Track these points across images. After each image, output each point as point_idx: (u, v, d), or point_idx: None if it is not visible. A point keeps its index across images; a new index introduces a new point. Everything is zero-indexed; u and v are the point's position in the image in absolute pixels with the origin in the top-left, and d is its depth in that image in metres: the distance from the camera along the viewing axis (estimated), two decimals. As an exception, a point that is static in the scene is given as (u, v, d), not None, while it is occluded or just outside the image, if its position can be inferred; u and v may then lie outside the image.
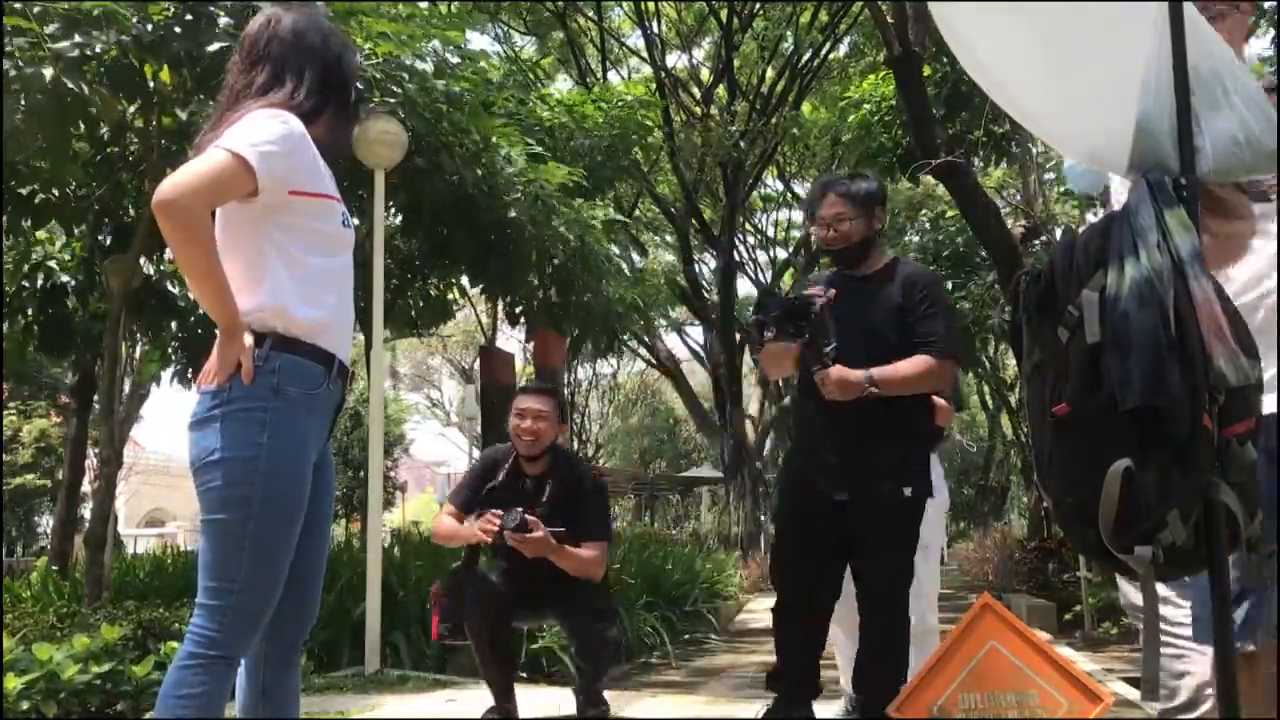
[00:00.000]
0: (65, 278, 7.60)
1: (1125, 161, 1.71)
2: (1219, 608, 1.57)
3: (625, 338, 10.96)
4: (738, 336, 17.33)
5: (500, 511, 3.52)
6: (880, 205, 3.33)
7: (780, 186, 21.67)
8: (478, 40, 16.48)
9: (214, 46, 4.76)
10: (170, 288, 7.66)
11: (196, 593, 2.02)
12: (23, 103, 4.51)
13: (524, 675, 5.41)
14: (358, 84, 2.40)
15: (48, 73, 4.40)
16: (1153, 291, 1.50)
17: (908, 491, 3.11)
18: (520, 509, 3.52)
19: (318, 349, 2.08)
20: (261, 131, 2.00)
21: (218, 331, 2.02)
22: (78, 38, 4.47)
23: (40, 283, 7.55)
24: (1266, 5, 8.14)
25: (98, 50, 4.64)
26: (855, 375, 3.05)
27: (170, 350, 8.05)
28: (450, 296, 9.07)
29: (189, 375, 7.78)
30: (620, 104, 9.71)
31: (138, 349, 8.29)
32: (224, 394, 2.00)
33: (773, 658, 3.34)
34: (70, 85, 4.45)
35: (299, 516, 2.06)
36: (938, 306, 3.16)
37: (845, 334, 3.13)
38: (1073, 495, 1.58)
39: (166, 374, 8.42)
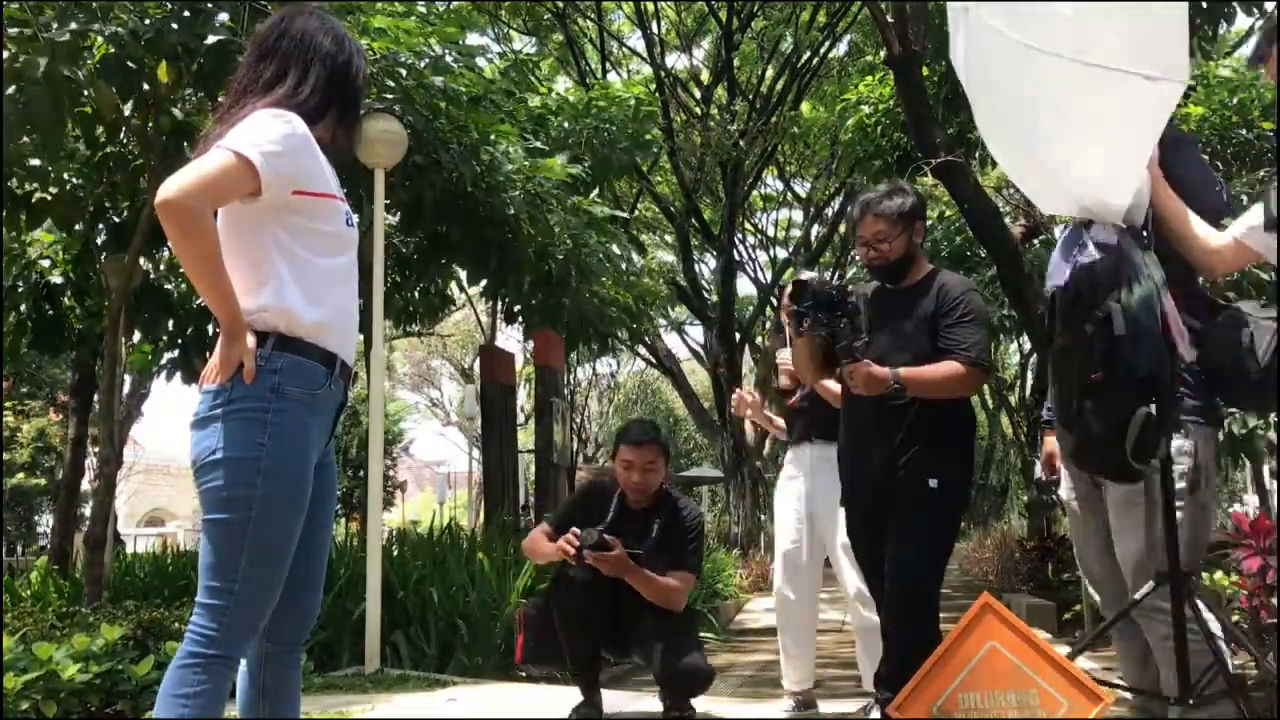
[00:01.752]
0: (58, 278, 7.59)
1: (1119, 214, 2.56)
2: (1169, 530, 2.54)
3: (623, 338, 10.93)
4: (737, 336, 17.33)
5: (579, 530, 3.53)
6: (920, 219, 3.39)
7: (780, 186, 21.68)
8: (476, 41, 16.45)
9: (211, 40, 4.76)
10: (168, 286, 7.66)
11: (197, 592, 2.02)
12: (19, 96, 4.51)
13: (523, 675, 5.41)
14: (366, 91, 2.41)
15: (42, 61, 4.39)
16: (1152, 305, 2.44)
17: (933, 484, 3.16)
18: (599, 528, 3.55)
19: (320, 349, 2.08)
20: (265, 131, 2.01)
21: (220, 330, 2.01)
22: (74, 26, 4.46)
23: (34, 280, 7.55)
24: (1267, 6, 8.15)
25: (94, 42, 4.64)
26: (882, 372, 3.11)
27: (162, 343, 8.03)
28: (449, 292, 9.07)
29: (186, 370, 7.76)
30: (619, 101, 9.70)
31: (135, 338, 8.28)
32: (225, 393, 2.00)
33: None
34: (66, 74, 4.44)
35: (300, 517, 2.06)
36: (970, 314, 3.23)
37: (880, 345, 3.23)
38: (1103, 430, 2.46)
39: (164, 370, 8.39)
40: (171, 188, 1.91)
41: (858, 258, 3.56)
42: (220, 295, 1.98)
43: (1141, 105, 2.42)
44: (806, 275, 3.18)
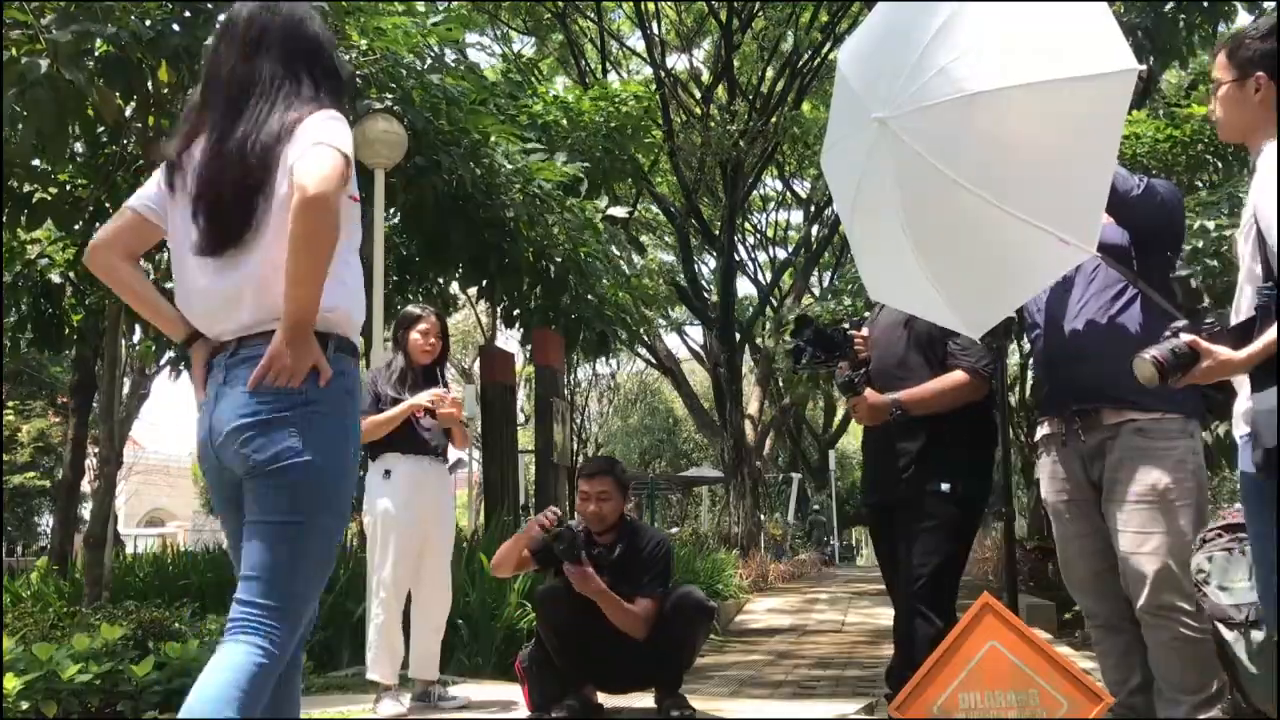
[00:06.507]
0: (57, 278, 7.58)
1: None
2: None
3: (622, 339, 10.92)
4: (737, 336, 17.32)
5: (557, 517, 3.70)
6: None
7: (780, 186, 21.69)
8: (473, 39, 16.47)
9: (211, 41, 4.77)
10: (169, 285, 7.66)
11: (253, 591, 1.98)
12: (21, 97, 4.51)
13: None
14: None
15: (44, 63, 4.40)
16: None
17: (944, 487, 3.23)
18: (577, 532, 3.68)
19: (358, 353, 2.12)
20: (345, 134, 2.01)
21: (284, 330, 1.95)
22: (74, 28, 4.46)
23: (34, 279, 7.54)
24: (1267, 5, 8.14)
25: (96, 44, 4.64)
26: (882, 400, 3.24)
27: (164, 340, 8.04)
28: (452, 291, 9.06)
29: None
30: (618, 101, 9.68)
31: (135, 337, 8.28)
32: (302, 395, 1.98)
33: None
34: (68, 77, 4.45)
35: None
36: None
37: (877, 356, 3.38)
38: None
39: (167, 366, 8.40)
40: (320, 184, 1.89)
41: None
42: (319, 292, 1.95)
43: (1043, 260, 2.51)
44: (805, 315, 3.29)
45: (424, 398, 4.16)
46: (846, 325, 3.49)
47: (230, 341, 2.06)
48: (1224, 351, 2.14)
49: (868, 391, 3.29)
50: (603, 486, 3.85)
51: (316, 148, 1.94)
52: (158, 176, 2.17)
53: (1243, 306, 2.24)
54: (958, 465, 3.28)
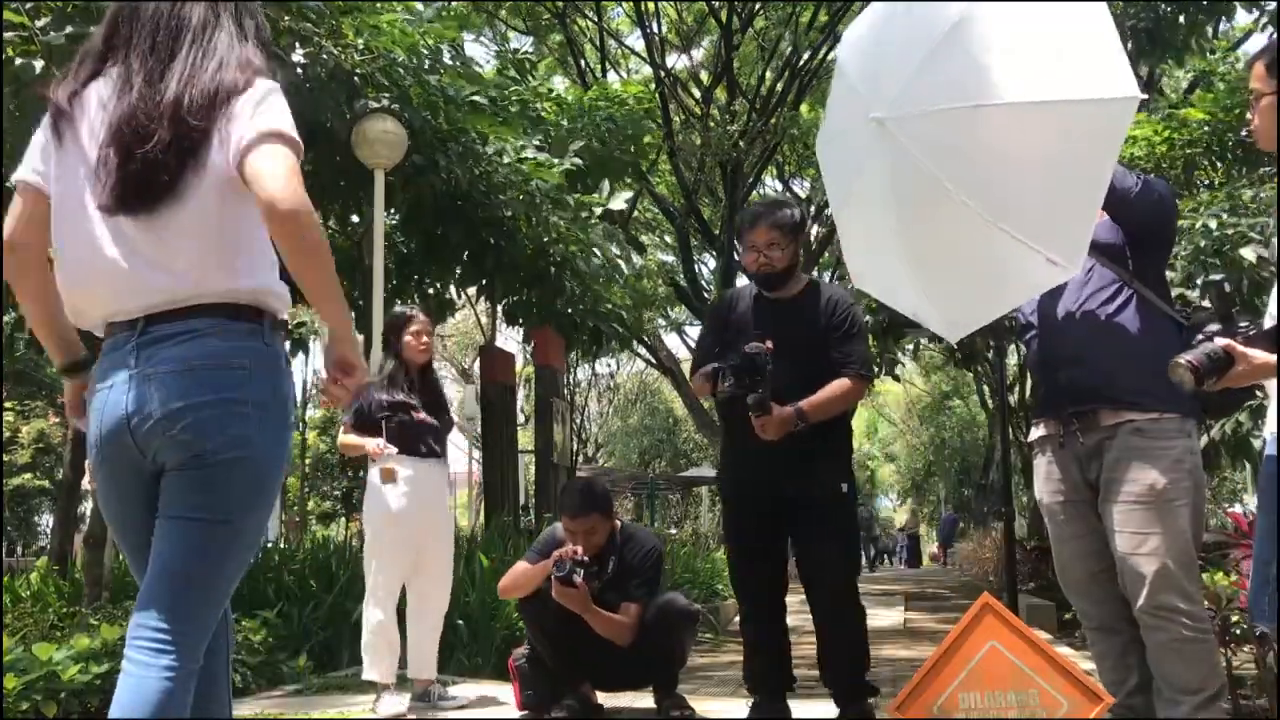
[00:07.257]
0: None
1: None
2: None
3: (620, 334, 10.92)
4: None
5: (569, 554, 3.70)
6: (802, 234, 3.64)
7: (779, 186, 21.68)
8: (470, 42, 16.42)
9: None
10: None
11: (169, 599, 1.79)
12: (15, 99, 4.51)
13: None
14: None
15: (38, 64, 4.39)
16: None
17: (844, 487, 3.43)
18: (573, 564, 3.68)
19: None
20: (287, 112, 1.85)
21: (343, 343, 1.87)
22: (70, 29, 4.46)
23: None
24: (1268, 6, 8.15)
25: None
26: (785, 412, 3.25)
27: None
28: (448, 296, 9.05)
29: None
30: (617, 100, 9.67)
31: None
32: (247, 373, 1.83)
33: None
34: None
35: None
36: (857, 328, 3.44)
37: (773, 357, 3.29)
38: None
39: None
40: (297, 195, 1.72)
41: (744, 264, 3.67)
42: (342, 300, 1.86)
43: (1029, 276, 2.54)
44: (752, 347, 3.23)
45: (370, 445, 4.13)
46: (766, 352, 3.41)
47: (135, 320, 1.83)
48: (1259, 355, 2.15)
49: (775, 409, 3.26)
50: (589, 524, 3.81)
51: (270, 146, 1.76)
52: (40, 139, 1.93)
53: (1275, 310, 2.25)
54: (847, 466, 3.50)
